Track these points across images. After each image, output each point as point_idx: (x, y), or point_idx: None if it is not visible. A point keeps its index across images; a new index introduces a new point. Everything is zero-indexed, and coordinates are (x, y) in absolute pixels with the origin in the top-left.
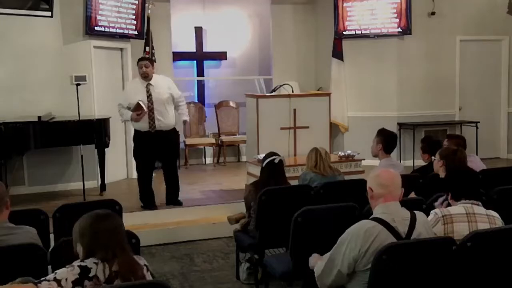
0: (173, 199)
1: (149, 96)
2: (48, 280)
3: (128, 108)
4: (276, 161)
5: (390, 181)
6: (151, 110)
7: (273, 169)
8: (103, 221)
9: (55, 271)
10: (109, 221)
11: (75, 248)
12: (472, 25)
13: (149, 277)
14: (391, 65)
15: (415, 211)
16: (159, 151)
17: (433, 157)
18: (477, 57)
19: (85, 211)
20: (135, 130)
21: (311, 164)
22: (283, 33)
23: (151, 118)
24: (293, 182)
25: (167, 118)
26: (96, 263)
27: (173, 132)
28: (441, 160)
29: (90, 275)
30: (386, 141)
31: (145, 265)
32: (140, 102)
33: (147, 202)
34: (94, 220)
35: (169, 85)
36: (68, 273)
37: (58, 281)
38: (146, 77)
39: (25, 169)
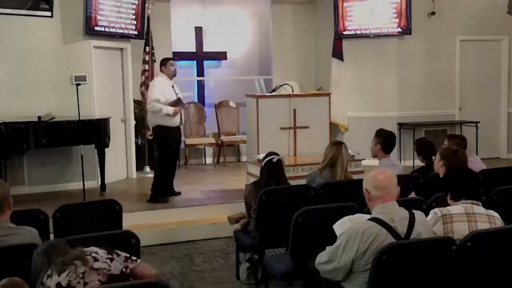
0: (171, 190)
1: (177, 94)
2: None
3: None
4: (274, 160)
5: (387, 182)
6: None
7: (271, 168)
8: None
9: None
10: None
11: None
12: (472, 25)
13: (103, 259)
14: (391, 65)
15: (413, 211)
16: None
17: (433, 157)
18: (477, 57)
19: (85, 211)
20: (163, 127)
21: (327, 164)
22: (283, 33)
23: (181, 114)
24: (293, 182)
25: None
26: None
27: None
28: (441, 160)
29: None
30: (385, 141)
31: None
32: (181, 97)
33: (165, 194)
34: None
35: None
36: None
37: None
38: (175, 75)
39: (25, 169)
